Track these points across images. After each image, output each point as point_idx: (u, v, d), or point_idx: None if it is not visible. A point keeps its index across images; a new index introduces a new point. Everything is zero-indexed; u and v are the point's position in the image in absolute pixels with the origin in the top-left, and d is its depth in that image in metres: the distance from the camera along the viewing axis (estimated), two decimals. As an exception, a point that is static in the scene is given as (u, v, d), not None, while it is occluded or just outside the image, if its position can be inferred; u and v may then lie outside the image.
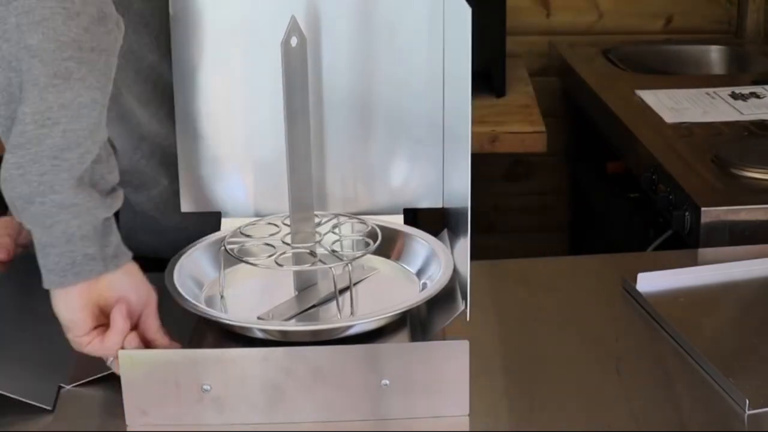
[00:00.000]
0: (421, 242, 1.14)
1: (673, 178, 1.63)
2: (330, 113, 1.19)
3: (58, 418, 1.00)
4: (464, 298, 1.00)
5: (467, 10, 0.95)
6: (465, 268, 1.00)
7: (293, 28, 1.02)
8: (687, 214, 1.54)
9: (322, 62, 1.17)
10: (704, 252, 1.45)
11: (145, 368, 0.95)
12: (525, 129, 2.16)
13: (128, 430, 0.96)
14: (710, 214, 1.49)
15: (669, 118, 1.96)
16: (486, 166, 2.73)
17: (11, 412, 1.00)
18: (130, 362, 0.95)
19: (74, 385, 1.02)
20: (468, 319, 0.99)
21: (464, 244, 1.01)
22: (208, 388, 0.95)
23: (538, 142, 2.14)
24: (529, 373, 1.08)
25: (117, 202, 0.99)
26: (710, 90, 2.16)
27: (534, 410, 1.01)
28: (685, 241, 1.55)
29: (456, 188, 1.10)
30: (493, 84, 2.32)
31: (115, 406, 0.97)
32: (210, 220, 1.22)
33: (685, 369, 1.08)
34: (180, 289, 1.03)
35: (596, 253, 2.22)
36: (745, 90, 2.14)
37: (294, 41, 1.02)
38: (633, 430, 0.98)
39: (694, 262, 1.40)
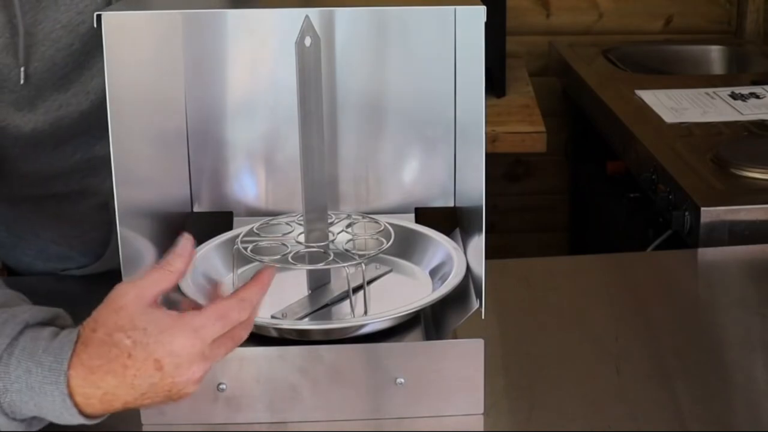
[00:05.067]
0: (434, 241, 1.14)
1: (672, 178, 1.63)
2: (342, 113, 1.20)
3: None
4: (479, 296, 1.00)
5: (480, 9, 0.95)
6: (479, 266, 1.01)
7: (307, 27, 1.01)
8: (687, 213, 1.54)
9: (335, 62, 1.17)
10: (704, 252, 1.45)
11: None
12: (525, 129, 2.16)
13: (144, 429, 0.97)
14: (710, 213, 1.49)
15: (669, 118, 1.96)
16: (486, 166, 2.73)
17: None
18: None
19: None
20: (483, 317, 1.00)
21: (478, 242, 1.02)
22: (224, 387, 0.96)
23: (538, 142, 2.15)
24: (529, 372, 1.08)
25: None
26: (710, 90, 2.16)
27: (534, 410, 1.01)
28: (685, 241, 1.55)
29: (469, 187, 1.10)
30: (493, 84, 2.32)
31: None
32: None
33: (685, 369, 1.08)
34: (194, 288, 1.04)
35: (596, 253, 2.23)
36: (745, 90, 2.15)
37: (308, 41, 1.02)
38: (633, 430, 0.98)
39: (694, 262, 1.41)
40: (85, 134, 1.22)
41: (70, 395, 0.81)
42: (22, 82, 1.14)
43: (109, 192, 0.96)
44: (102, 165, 1.00)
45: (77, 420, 0.82)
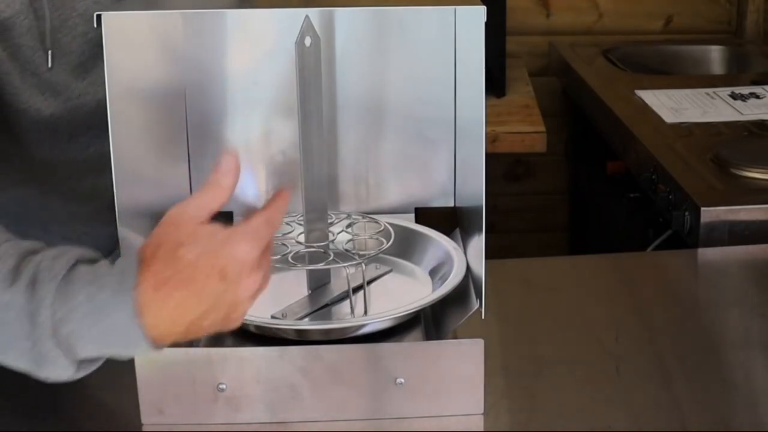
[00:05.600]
0: (434, 241, 1.15)
1: (672, 178, 1.63)
2: (342, 113, 1.20)
3: (74, 416, 1.00)
4: (479, 296, 1.00)
5: (481, 9, 0.95)
6: (479, 266, 1.01)
7: (307, 27, 1.01)
8: (687, 214, 1.54)
9: (335, 62, 1.17)
10: (704, 252, 1.45)
11: (161, 366, 0.95)
12: (525, 129, 2.16)
13: (143, 429, 0.97)
14: (710, 213, 1.49)
15: (669, 118, 1.96)
16: (486, 166, 2.73)
17: (22, 411, 1.00)
18: (147, 360, 0.95)
19: None
20: (483, 317, 1.00)
21: (478, 242, 1.02)
22: (224, 387, 0.96)
23: (538, 142, 2.15)
24: (529, 373, 1.08)
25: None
26: (710, 90, 2.16)
27: (534, 410, 1.01)
28: (685, 241, 1.55)
29: (469, 187, 1.10)
30: (493, 84, 2.32)
31: (130, 404, 0.97)
32: None
33: (685, 369, 1.08)
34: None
35: (596, 253, 2.23)
36: (745, 90, 2.15)
37: (308, 41, 1.02)
38: (633, 430, 0.98)
39: (694, 262, 1.41)
40: (99, 127, 1.23)
41: (138, 315, 0.80)
42: (50, 65, 1.15)
43: None
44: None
45: (142, 345, 0.81)
